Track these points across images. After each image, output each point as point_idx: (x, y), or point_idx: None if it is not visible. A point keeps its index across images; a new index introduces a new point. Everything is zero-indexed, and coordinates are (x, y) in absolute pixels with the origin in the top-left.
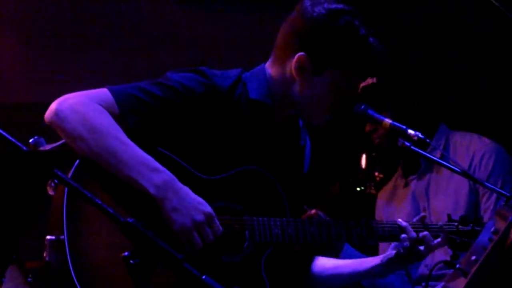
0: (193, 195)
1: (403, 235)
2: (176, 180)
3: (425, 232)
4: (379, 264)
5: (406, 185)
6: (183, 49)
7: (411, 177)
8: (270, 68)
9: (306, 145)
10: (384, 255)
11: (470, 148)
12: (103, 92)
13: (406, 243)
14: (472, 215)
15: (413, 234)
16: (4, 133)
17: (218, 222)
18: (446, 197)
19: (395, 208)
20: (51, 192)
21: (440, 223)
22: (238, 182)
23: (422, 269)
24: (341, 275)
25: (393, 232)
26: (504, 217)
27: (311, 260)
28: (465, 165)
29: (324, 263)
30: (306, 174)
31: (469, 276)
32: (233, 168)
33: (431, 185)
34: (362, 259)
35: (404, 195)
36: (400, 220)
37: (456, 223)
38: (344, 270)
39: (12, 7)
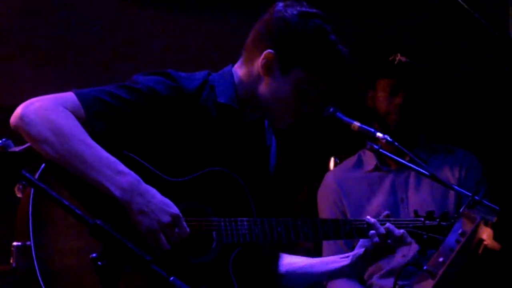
0: (159, 197)
1: (372, 232)
2: (142, 182)
3: (387, 224)
4: (349, 264)
5: (381, 176)
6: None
7: (389, 169)
8: (238, 69)
9: (271, 145)
10: (353, 253)
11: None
12: (69, 96)
13: (376, 239)
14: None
15: (382, 230)
16: None
17: (185, 224)
18: (425, 191)
19: (365, 198)
20: (19, 195)
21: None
22: (205, 183)
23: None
24: (309, 274)
25: (360, 229)
26: (472, 219)
27: (278, 259)
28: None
29: (292, 262)
30: (272, 174)
31: (436, 278)
32: (199, 170)
33: (411, 178)
34: (331, 258)
35: (379, 186)
36: (368, 217)
37: (422, 218)
38: (312, 270)
39: None
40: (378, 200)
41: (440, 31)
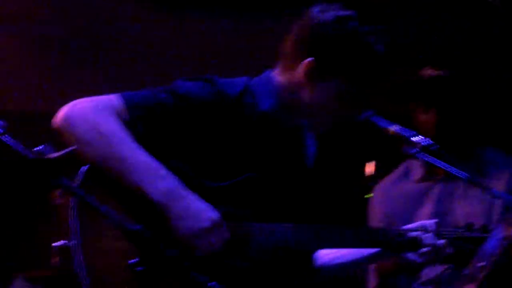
0: (199, 201)
1: (423, 250)
2: (182, 186)
3: (428, 234)
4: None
5: (429, 186)
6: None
7: (436, 178)
8: (278, 75)
9: (311, 150)
10: None
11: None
12: (113, 98)
13: (425, 256)
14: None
15: (428, 241)
16: (10, 142)
17: (224, 228)
18: (472, 201)
19: (412, 208)
20: (58, 201)
21: (448, 229)
22: (244, 188)
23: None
24: (343, 264)
25: (401, 242)
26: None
27: (314, 255)
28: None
29: (325, 254)
30: (312, 179)
31: (479, 282)
32: (239, 175)
33: (458, 188)
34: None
35: (426, 196)
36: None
37: (461, 229)
38: (346, 259)
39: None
40: (426, 210)
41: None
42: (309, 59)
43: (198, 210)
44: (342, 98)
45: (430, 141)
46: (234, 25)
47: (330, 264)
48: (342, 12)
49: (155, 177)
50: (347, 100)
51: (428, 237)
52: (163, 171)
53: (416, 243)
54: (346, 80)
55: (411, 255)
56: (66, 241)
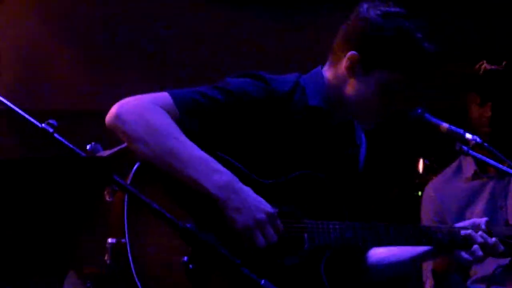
0: (254, 195)
1: (475, 246)
2: (237, 180)
3: (480, 232)
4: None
5: (481, 184)
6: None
7: (488, 175)
8: (326, 71)
9: (361, 146)
10: None
11: None
12: (164, 96)
13: (479, 253)
14: None
15: (480, 239)
16: (63, 140)
17: (279, 221)
18: None
19: (464, 206)
20: (108, 198)
21: (499, 227)
22: (296, 186)
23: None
24: (394, 263)
25: (453, 239)
26: None
27: (365, 254)
28: None
29: (376, 253)
30: (362, 175)
31: None
32: (291, 172)
33: (510, 185)
34: None
35: (478, 194)
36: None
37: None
38: (396, 259)
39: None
40: (477, 208)
41: None
42: (353, 52)
43: (254, 203)
44: (386, 92)
45: (483, 138)
46: (325, 22)
47: (382, 263)
48: (390, 9)
49: (211, 171)
50: (392, 95)
51: (479, 236)
52: (217, 165)
53: (468, 242)
54: (390, 75)
55: (463, 254)
56: (118, 239)
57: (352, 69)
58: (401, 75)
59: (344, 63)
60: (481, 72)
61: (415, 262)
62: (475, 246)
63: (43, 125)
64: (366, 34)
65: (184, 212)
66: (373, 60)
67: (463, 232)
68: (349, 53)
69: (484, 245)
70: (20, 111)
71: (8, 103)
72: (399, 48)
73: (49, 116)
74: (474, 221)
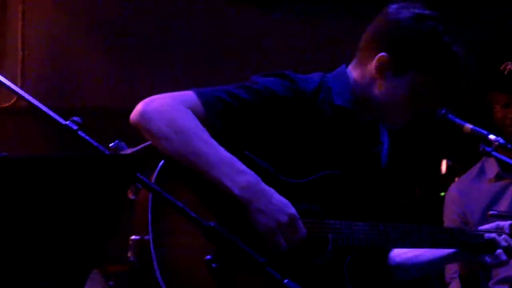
0: (277, 197)
1: (499, 251)
2: (261, 181)
3: (504, 236)
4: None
5: (504, 185)
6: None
7: (511, 178)
8: (352, 70)
9: (384, 146)
10: None
11: None
12: (189, 94)
13: (504, 257)
14: None
15: (504, 243)
16: (87, 137)
17: (301, 224)
18: None
19: (487, 208)
20: (132, 196)
21: None
22: (321, 186)
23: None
24: (418, 265)
25: (477, 243)
26: None
27: (388, 254)
28: None
29: (400, 254)
30: (384, 170)
31: None
32: (316, 172)
33: None
34: None
35: (501, 196)
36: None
37: None
38: (420, 259)
39: (93, 13)
40: (501, 209)
41: None
42: (383, 53)
43: (277, 205)
44: (414, 95)
45: (507, 138)
46: (348, 21)
47: (406, 264)
48: (421, 10)
49: (235, 171)
50: (421, 97)
51: (503, 239)
52: (241, 166)
53: (492, 245)
54: (420, 78)
55: (487, 258)
56: (141, 236)
57: (381, 70)
58: (432, 77)
59: (373, 64)
60: (505, 72)
61: (439, 264)
62: (499, 251)
63: (67, 122)
64: (398, 36)
65: (207, 211)
66: (404, 62)
67: (487, 235)
68: (379, 54)
69: (508, 249)
70: (44, 108)
71: (33, 100)
72: (431, 50)
73: (74, 113)
74: (498, 224)
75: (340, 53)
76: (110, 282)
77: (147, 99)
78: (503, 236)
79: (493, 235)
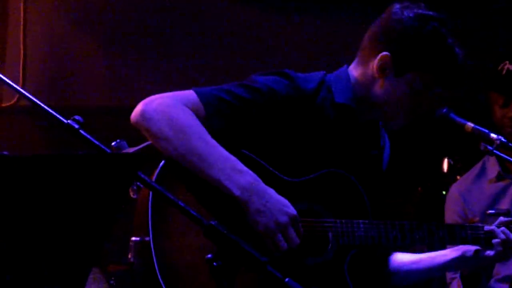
0: (277, 197)
1: (495, 240)
2: (260, 181)
3: (502, 228)
4: (459, 257)
5: (505, 185)
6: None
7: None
8: (353, 70)
9: (385, 145)
10: (466, 248)
11: None
12: (189, 94)
13: (499, 248)
14: None
15: (502, 235)
16: (88, 136)
17: (300, 224)
18: None
19: (488, 208)
20: (133, 195)
21: None
22: (321, 184)
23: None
24: (417, 270)
25: (476, 237)
26: None
27: (389, 257)
28: None
29: (400, 259)
30: (385, 174)
31: None
32: (316, 171)
33: None
34: (440, 252)
35: (502, 196)
36: (486, 226)
37: None
38: (420, 266)
39: (94, 12)
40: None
41: None
42: (385, 53)
43: (276, 205)
44: (417, 94)
45: (506, 138)
46: (352, 21)
47: (405, 270)
48: (424, 11)
49: (235, 171)
50: (422, 97)
51: (501, 231)
52: (240, 166)
53: (491, 238)
54: (422, 78)
55: (486, 252)
56: (142, 237)
57: (383, 70)
58: (433, 78)
59: (375, 63)
60: (504, 72)
61: (438, 271)
62: (496, 240)
63: (68, 121)
64: (400, 36)
65: (208, 210)
66: (406, 62)
67: (486, 227)
68: (381, 54)
69: (504, 241)
70: (45, 107)
71: (34, 99)
72: (433, 51)
73: (74, 113)
74: (501, 219)
75: (343, 53)
76: (111, 281)
77: (147, 99)
78: (502, 228)
79: (493, 227)
